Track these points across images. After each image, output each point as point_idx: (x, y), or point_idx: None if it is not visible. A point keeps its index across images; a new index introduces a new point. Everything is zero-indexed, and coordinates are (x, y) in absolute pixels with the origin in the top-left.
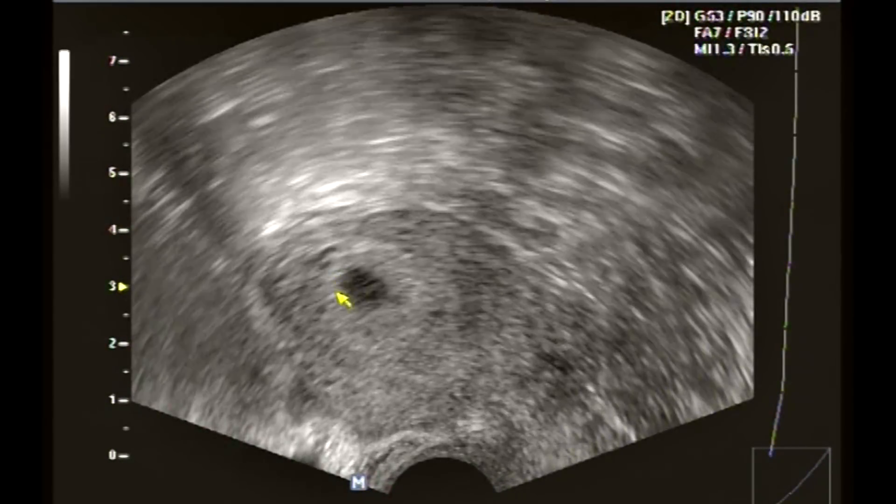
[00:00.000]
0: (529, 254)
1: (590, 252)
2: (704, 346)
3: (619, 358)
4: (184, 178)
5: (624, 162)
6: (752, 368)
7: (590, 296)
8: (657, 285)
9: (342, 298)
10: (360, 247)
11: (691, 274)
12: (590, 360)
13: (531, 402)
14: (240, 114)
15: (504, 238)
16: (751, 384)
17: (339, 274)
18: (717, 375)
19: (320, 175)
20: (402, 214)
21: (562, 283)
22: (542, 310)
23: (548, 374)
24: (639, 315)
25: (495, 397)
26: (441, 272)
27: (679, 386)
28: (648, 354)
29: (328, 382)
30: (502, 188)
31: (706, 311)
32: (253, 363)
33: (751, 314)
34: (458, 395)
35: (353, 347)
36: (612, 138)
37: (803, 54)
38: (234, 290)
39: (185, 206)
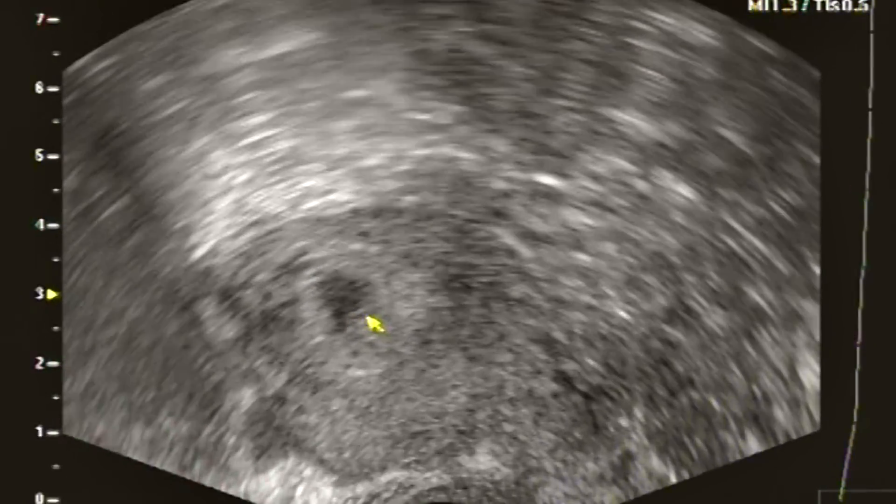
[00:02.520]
0: (549, 261)
1: (624, 262)
2: (763, 376)
3: (659, 389)
4: (122, 168)
5: (666, 157)
6: (819, 398)
7: (623, 314)
8: (708, 306)
9: (373, 323)
10: (340, 249)
11: (752, 292)
12: (623, 390)
13: (550, 435)
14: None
15: (516, 241)
16: (817, 415)
17: (315, 280)
18: (778, 412)
19: (291, 161)
20: (392, 211)
21: (587, 298)
22: (565, 326)
23: (571, 403)
24: (685, 341)
25: (506, 428)
26: (439, 279)
27: (732, 424)
28: (696, 386)
29: (301, 412)
30: (516, 184)
31: (765, 333)
32: (208, 389)
33: (819, 334)
34: (460, 425)
35: (333, 369)
36: (652, 129)
37: (880, 12)
38: (186, 301)
39: (124, 201)
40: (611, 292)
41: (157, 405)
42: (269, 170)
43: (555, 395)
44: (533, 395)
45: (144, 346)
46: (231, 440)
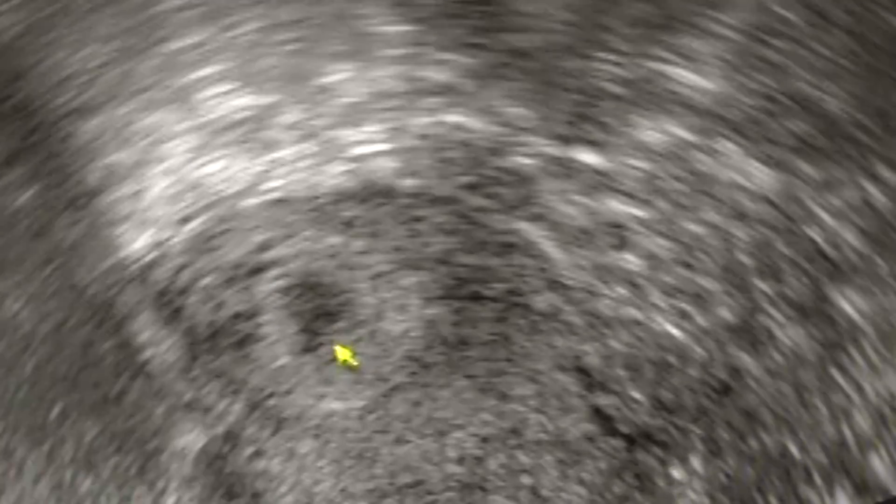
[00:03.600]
0: (583, 263)
1: (676, 265)
2: (857, 413)
3: (723, 431)
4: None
5: (736, 124)
6: None
7: (676, 333)
8: (785, 321)
9: (343, 354)
10: (312, 244)
11: (842, 301)
12: (676, 431)
13: (581, 490)
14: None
15: (542, 236)
16: None
17: (279, 285)
18: (877, 461)
19: (251, 127)
20: (382, 195)
21: (632, 311)
22: (603, 348)
23: (610, 448)
24: (755, 367)
25: (525, 480)
26: (441, 285)
27: (817, 477)
28: (769, 426)
29: (259, 456)
30: (541, 162)
31: (860, 357)
32: (140, 429)
33: None
34: (464, 476)
35: (301, 401)
36: (716, 88)
37: None
38: (108, 312)
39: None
40: (661, 304)
41: (64, 456)
42: (223, 139)
43: (589, 439)
44: (560, 437)
45: (50, 378)
46: (170, 501)
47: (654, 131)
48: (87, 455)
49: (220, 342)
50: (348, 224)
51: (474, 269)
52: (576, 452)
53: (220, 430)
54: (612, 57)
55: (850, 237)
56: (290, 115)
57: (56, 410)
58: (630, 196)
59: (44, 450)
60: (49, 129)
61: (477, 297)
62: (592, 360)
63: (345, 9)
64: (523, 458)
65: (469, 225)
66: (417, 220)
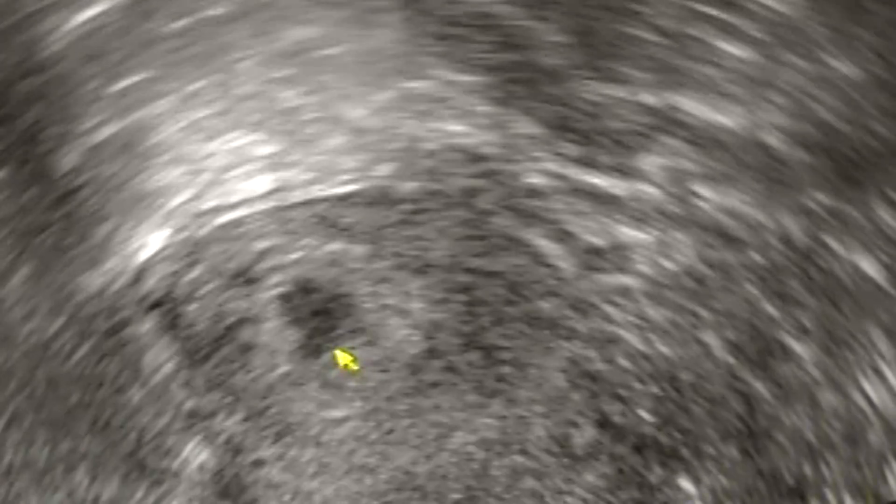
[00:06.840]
0: (585, 282)
1: (681, 288)
2: (872, 433)
3: (733, 445)
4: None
5: (745, 152)
6: None
7: (688, 346)
8: (797, 344)
9: (344, 358)
10: (312, 250)
11: (855, 324)
12: (684, 443)
13: (587, 495)
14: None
15: (547, 242)
16: None
17: (279, 292)
18: (890, 477)
19: (248, 131)
20: (381, 198)
21: (641, 321)
22: (609, 355)
23: (616, 455)
24: (762, 388)
25: (528, 484)
26: (443, 289)
27: (829, 494)
28: (781, 441)
29: (260, 465)
30: (547, 178)
31: (875, 377)
32: (141, 439)
33: None
34: (469, 480)
35: (302, 409)
36: (726, 117)
37: None
38: (106, 321)
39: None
40: (672, 315)
41: (62, 471)
42: (222, 146)
43: (594, 445)
44: (565, 443)
45: (46, 392)
46: None
47: (663, 158)
48: (85, 464)
49: (220, 350)
50: (349, 230)
51: (477, 273)
52: (581, 458)
53: (220, 438)
54: (624, 83)
55: (864, 264)
56: (285, 117)
57: (61, 425)
58: (636, 219)
59: (40, 465)
60: (41, 127)
61: (481, 302)
62: (598, 366)
63: (353, 24)
64: (527, 463)
65: (471, 230)
66: (419, 224)
